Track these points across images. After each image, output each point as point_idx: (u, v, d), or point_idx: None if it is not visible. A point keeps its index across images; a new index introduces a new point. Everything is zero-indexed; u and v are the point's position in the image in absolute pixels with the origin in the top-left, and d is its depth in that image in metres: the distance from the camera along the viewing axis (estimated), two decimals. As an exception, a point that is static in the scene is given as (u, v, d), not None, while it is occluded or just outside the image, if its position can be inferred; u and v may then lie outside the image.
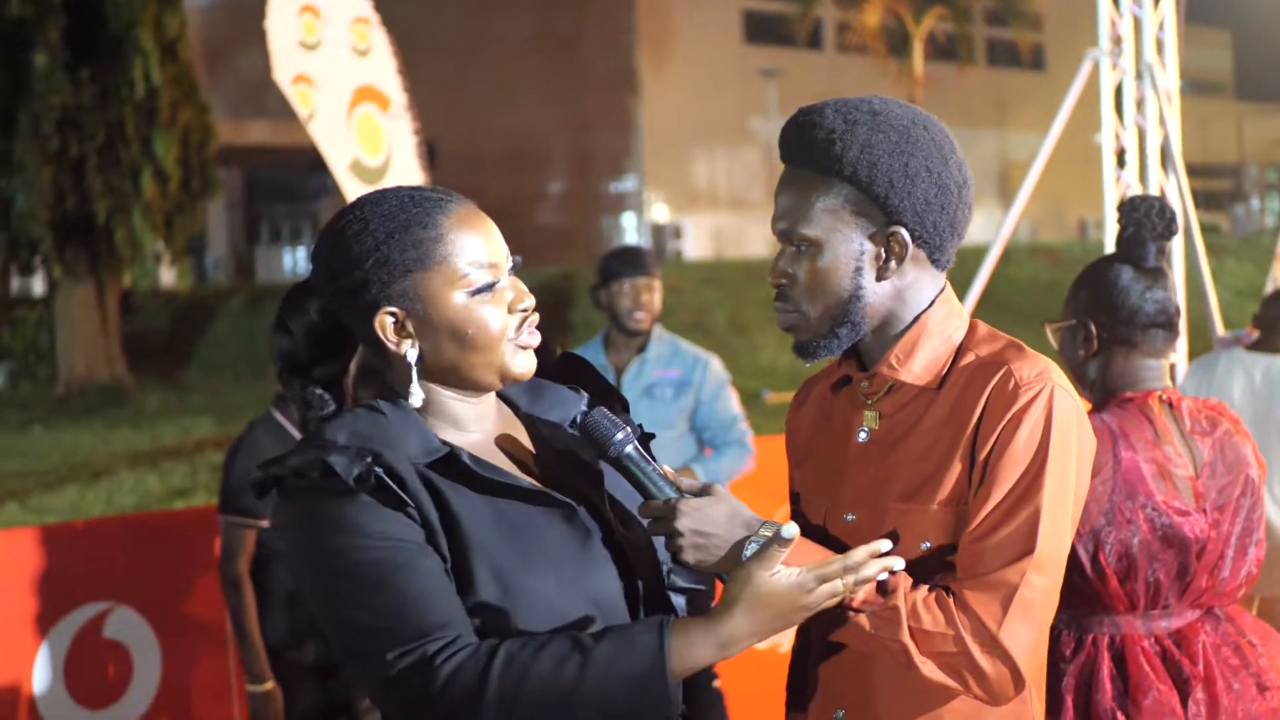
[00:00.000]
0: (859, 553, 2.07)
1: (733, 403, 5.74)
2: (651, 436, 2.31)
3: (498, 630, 2.01)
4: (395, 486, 2.01)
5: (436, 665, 1.94)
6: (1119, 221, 3.28)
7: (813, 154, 2.27)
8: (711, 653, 1.99)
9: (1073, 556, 2.93)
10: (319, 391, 2.18)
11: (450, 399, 2.17)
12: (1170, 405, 3.16)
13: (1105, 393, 3.22)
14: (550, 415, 2.29)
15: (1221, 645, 3.09)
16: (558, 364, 2.36)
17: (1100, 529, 3.02)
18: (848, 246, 2.27)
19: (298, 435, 4.55)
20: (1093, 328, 3.21)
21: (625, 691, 1.94)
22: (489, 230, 2.15)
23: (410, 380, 2.12)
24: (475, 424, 2.19)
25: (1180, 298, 8.85)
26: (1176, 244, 8.85)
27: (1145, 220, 3.24)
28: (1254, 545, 3.12)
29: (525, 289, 2.16)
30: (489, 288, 2.12)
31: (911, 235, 2.27)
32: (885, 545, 2.11)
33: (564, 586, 2.07)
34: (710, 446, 5.69)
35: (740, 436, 5.70)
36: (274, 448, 4.61)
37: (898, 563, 2.12)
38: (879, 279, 2.28)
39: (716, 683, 5.59)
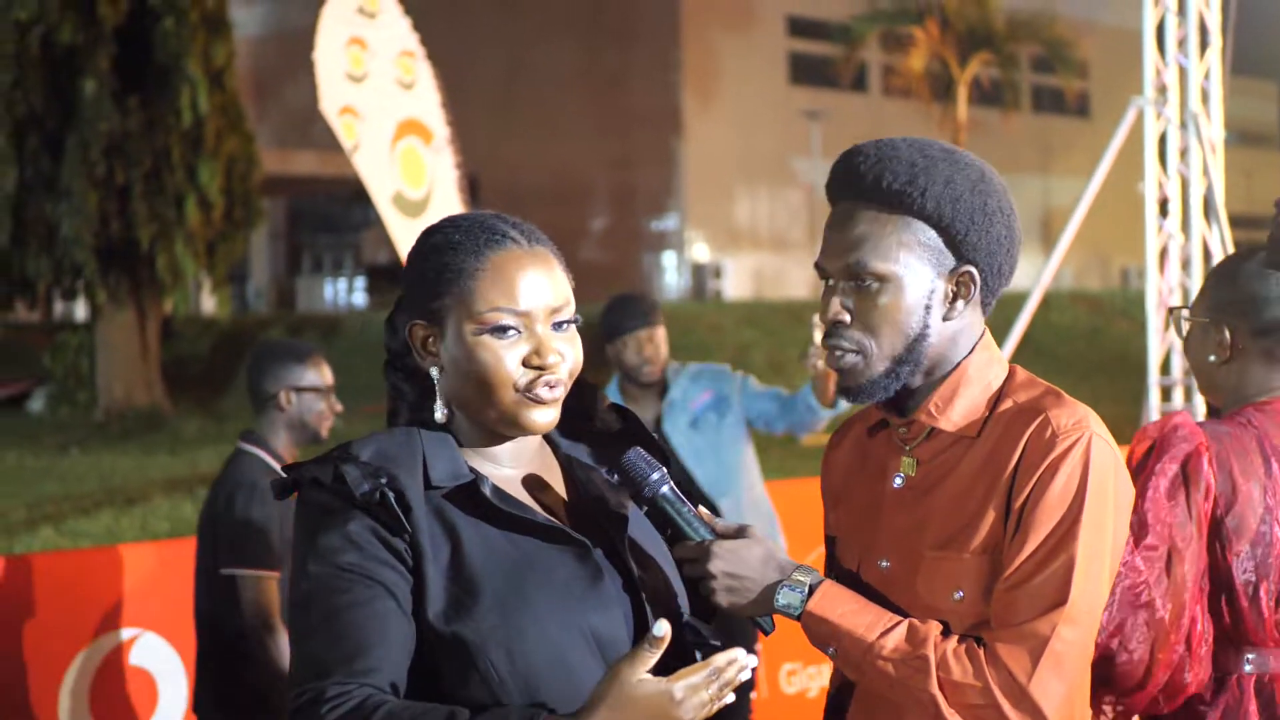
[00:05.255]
0: (721, 658, 1.92)
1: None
2: (693, 491, 2.30)
3: (492, 663, 2.02)
4: (399, 510, 2.04)
5: (323, 711, 1.95)
6: (1274, 220, 2.83)
7: (889, 189, 2.22)
8: None
9: (1221, 584, 2.70)
10: (401, 381, 2.23)
11: (481, 431, 2.18)
12: None
13: (1241, 400, 2.87)
14: (587, 458, 2.29)
15: None
16: (605, 413, 2.33)
17: (1256, 546, 2.70)
18: (920, 284, 2.23)
19: (272, 460, 4.44)
20: (1228, 334, 2.87)
21: None
22: (535, 278, 2.13)
23: (435, 397, 2.16)
24: (508, 458, 2.20)
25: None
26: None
27: None
28: None
29: (555, 349, 2.13)
30: (501, 331, 2.11)
31: (980, 277, 2.25)
32: (744, 656, 1.92)
33: (564, 625, 2.06)
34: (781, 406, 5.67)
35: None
36: (267, 474, 4.39)
37: (752, 660, 1.94)
38: (945, 319, 2.25)
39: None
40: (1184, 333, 3.00)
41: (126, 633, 5.19)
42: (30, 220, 22.05)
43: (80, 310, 31.07)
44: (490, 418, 2.14)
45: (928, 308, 2.24)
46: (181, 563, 5.46)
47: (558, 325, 2.15)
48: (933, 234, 2.23)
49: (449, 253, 2.14)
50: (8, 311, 25.01)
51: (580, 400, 2.28)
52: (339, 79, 7.65)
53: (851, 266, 2.24)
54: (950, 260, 2.24)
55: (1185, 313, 3.00)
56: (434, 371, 2.17)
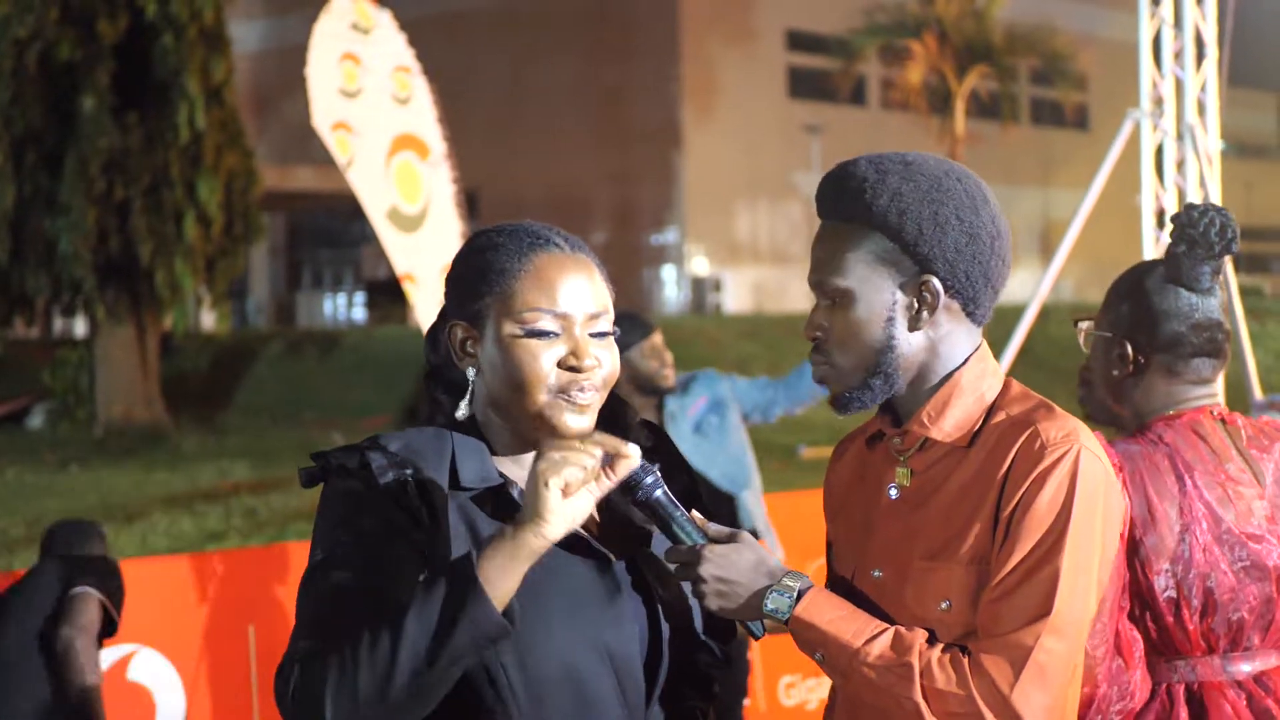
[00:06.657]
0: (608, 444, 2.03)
1: None
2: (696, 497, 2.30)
3: (504, 668, 2.03)
4: (421, 502, 2.05)
5: (298, 664, 1.95)
6: (1171, 234, 2.88)
7: (845, 204, 2.27)
8: (507, 544, 1.95)
9: (1143, 601, 2.74)
10: (440, 393, 2.23)
11: (513, 436, 2.19)
12: (1224, 422, 2.87)
13: (1147, 414, 2.91)
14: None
15: None
16: (636, 430, 2.33)
17: (1175, 564, 2.74)
18: (879, 296, 2.25)
19: None
20: (1130, 349, 2.90)
21: (447, 600, 1.91)
22: (575, 283, 2.15)
23: (467, 396, 2.17)
24: None
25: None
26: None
27: (1201, 240, 2.83)
28: None
29: (592, 353, 2.14)
30: (541, 334, 2.12)
31: (944, 285, 2.25)
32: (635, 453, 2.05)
33: (575, 634, 2.07)
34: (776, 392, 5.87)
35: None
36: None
37: (635, 455, 2.05)
38: (911, 329, 2.26)
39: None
40: (1087, 346, 3.00)
41: (124, 648, 5.18)
42: (29, 236, 22.07)
43: (79, 326, 31.08)
44: (523, 420, 2.15)
45: (890, 319, 2.25)
46: (181, 579, 5.46)
47: (596, 334, 2.17)
48: (888, 246, 2.25)
49: (491, 253, 2.17)
50: (7, 328, 25.00)
51: (613, 416, 2.28)
52: (332, 94, 7.68)
53: (819, 284, 2.29)
54: (909, 271, 2.25)
55: (1086, 324, 3.00)
56: (470, 373, 2.18)
